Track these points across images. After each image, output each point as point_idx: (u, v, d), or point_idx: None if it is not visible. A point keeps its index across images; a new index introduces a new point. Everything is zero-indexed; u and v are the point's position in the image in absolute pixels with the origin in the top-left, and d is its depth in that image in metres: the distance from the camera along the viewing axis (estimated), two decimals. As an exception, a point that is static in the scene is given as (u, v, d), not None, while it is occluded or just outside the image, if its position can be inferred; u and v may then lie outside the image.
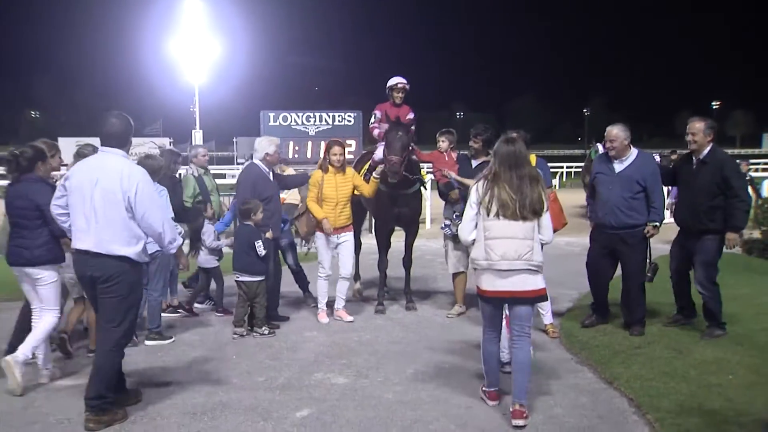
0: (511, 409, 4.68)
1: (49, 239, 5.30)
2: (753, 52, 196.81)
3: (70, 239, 4.82)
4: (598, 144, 18.29)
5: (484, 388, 5.09)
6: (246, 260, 6.91)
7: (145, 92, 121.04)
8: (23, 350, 5.26)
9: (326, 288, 7.53)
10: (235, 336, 6.84)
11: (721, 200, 6.17)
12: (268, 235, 7.04)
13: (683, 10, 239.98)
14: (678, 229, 6.78)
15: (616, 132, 6.54)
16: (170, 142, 28.89)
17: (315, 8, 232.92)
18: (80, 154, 6.08)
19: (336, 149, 7.31)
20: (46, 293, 5.39)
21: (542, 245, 4.82)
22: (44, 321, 5.40)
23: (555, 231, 6.74)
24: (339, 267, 7.50)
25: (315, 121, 12.06)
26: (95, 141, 6.17)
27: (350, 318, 7.48)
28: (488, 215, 4.70)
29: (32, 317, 5.49)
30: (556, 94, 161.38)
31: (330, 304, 7.61)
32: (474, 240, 4.83)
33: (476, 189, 4.85)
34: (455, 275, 7.77)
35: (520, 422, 4.61)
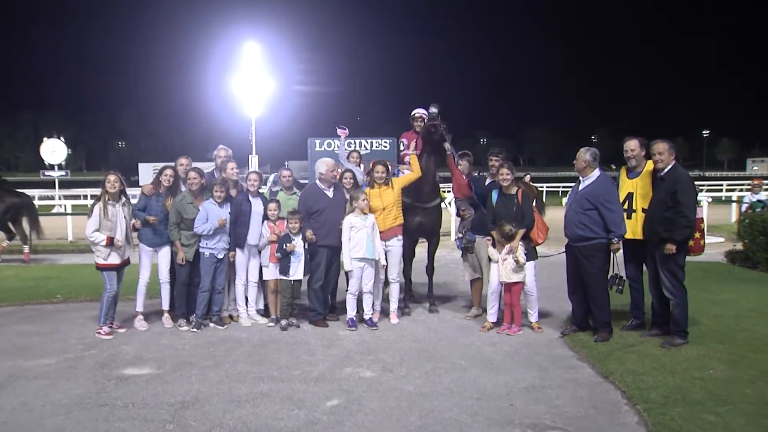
0: None
1: None
2: (740, 87, 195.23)
3: None
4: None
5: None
6: (280, 264, 7.12)
7: (209, 123, 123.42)
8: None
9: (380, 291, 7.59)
10: (271, 324, 7.20)
11: (672, 213, 5.93)
12: (308, 234, 7.10)
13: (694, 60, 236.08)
14: None
15: (581, 153, 6.56)
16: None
17: (356, 51, 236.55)
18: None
19: (378, 168, 7.41)
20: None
21: None
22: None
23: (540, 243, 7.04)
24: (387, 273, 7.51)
25: (355, 146, 12.08)
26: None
27: (397, 320, 7.43)
28: None
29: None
30: (568, 122, 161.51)
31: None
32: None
33: None
34: (473, 281, 7.75)
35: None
